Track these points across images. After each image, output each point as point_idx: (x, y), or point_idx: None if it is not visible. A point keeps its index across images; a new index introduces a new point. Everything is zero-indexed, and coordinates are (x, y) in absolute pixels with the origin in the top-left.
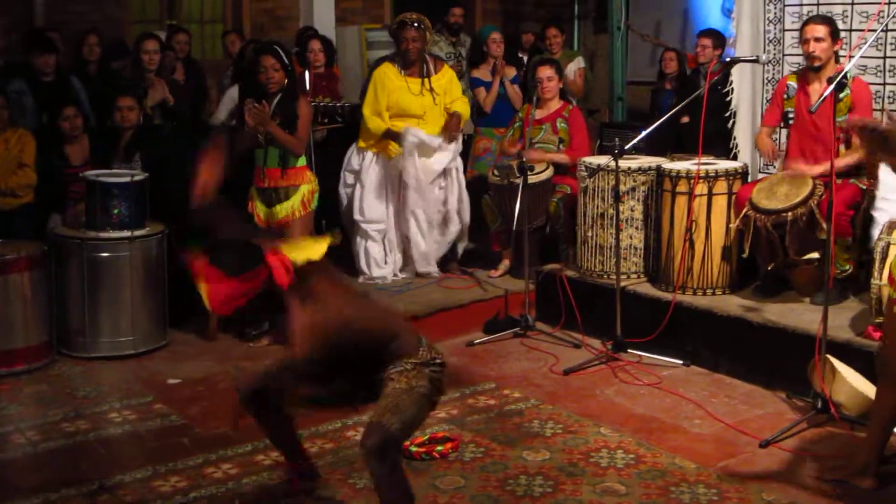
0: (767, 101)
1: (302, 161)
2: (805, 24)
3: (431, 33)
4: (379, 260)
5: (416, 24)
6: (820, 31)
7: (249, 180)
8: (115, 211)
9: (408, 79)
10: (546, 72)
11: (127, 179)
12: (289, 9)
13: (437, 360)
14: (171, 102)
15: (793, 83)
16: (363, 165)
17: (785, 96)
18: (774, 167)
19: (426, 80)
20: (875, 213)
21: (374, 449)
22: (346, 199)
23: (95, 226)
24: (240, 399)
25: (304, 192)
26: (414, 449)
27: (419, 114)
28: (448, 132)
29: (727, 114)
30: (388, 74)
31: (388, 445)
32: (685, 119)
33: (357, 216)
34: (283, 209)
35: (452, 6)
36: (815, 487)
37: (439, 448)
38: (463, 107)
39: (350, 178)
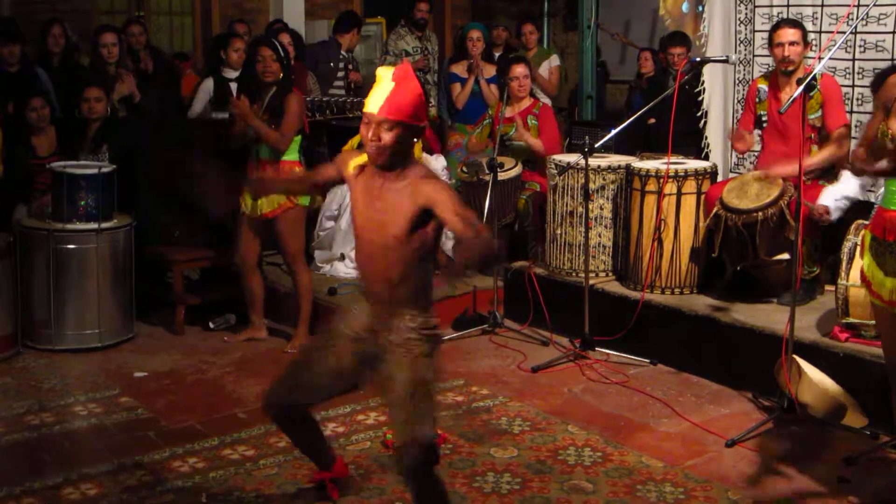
0: (739, 102)
1: (292, 156)
2: (776, 28)
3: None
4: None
5: None
6: (793, 34)
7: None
8: (82, 203)
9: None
10: (520, 69)
11: (94, 171)
12: (258, 1)
13: (434, 325)
14: (138, 98)
15: (763, 86)
16: (343, 206)
17: (757, 100)
18: (745, 168)
19: None
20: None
21: (418, 467)
22: (318, 238)
23: (62, 217)
24: (266, 411)
25: None
26: (389, 438)
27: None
28: None
29: (699, 114)
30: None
31: (431, 456)
32: (652, 120)
33: (341, 248)
34: (266, 204)
35: (419, 1)
36: (780, 487)
37: None
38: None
39: (328, 224)
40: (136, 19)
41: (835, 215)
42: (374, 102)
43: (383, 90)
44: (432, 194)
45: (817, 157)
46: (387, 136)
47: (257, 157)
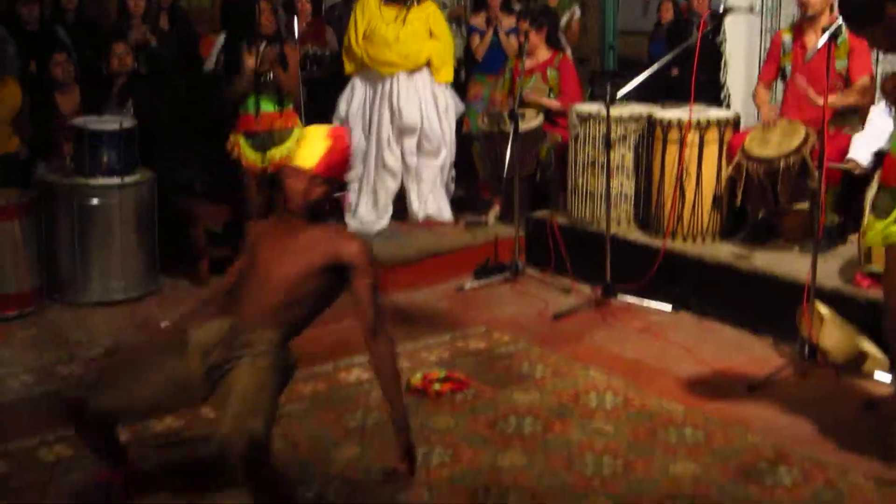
0: (765, 51)
1: (290, 105)
2: None
3: None
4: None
5: None
6: None
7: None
8: (105, 158)
9: (384, 7)
10: (524, 26)
11: (115, 127)
12: None
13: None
14: (152, 42)
15: (787, 37)
16: (350, 112)
17: (781, 52)
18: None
19: (404, 10)
20: (851, 147)
21: (241, 462)
22: None
23: (85, 172)
24: (67, 408)
25: (297, 135)
26: (413, 382)
27: (390, 40)
28: None
29: (721, 63)
30: (369, 3)
31: (256, 453)
32: (675, 72)
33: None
34: (279, 151)
35: None
36: (799, 431)
37: (436, 387)
38: (435, 47)
39: (337, 124)
40: None
41: (867, 165)
42: (309, 158)
43: (318, 147)
44: (350, 257)
45: (839, 100)
46: (317, 191)
47: (258, 111)
